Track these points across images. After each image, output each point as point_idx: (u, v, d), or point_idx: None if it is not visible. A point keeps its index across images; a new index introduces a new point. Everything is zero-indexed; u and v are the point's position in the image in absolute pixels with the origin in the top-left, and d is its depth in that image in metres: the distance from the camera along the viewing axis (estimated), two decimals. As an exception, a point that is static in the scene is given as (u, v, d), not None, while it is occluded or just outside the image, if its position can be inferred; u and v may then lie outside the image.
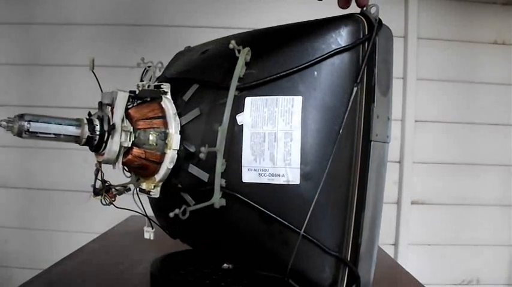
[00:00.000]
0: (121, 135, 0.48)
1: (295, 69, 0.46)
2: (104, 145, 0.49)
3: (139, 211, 0.57)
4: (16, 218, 1.33)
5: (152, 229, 0.60)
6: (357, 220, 0.47)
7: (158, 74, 0.61)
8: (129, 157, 0.50)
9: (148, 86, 0.55)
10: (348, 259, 0.47)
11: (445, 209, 1.33)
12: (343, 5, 0.51)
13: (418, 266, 1.28)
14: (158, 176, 0.52)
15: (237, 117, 0.48)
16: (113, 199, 0.54)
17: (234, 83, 0.47)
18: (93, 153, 0.52)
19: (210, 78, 0.52)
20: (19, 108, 1.31)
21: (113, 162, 0.50)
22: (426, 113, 1.31)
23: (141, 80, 0.58)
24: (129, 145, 0.49)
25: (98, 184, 0.53)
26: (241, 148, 0.47)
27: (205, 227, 0.53)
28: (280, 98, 0.46)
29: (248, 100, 0.48)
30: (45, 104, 1.30)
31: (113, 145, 0.48)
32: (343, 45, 0.46)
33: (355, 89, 0.45)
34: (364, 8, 0.49)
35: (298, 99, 0.46)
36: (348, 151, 0.46)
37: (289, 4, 1.28)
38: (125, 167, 0.54)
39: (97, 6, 1.31)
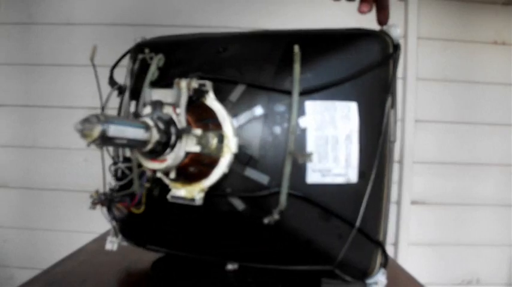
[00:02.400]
0: (188, 139, 0.44)
1: (350, 77, 0.51)
2: (168, 150, 0.43)
3: (110, 221, 0.55)
4: (16, 218, 1.33)
5: (117, 238, 0.57)
6: (385, 210, 0.54)
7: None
8: (185, 162, 0.45)
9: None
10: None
11: (445, 209, 1.33)
12: (366, 11, 0.57)
13: (418, 266, 1.28)
14: (209, 181, 0.48)
15: (299, 120, 0.49)
16: (125, 211, 0.50)
17: (297, 87, 0.49)
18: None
19: (258, 80, 0.51)
20: (19, 108, 1.32)
21: (172, 169, 0.45)
22: (426, 113, 1.32)
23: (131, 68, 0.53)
24: (198, 150, 0.44)
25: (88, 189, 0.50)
26: (305, 150, 0.49)
27: (230, 228, 0.52)
28: (338, 103, 0.51)
29: (308, 104, 0.50)
30: (45, 104, 1.30)
31: (181, 150, 0.43)
32: (379, 59, 0.53)
33: (388, 98, 0.53)
34: (384, 27, 0.56)
35: (353, 105, 0.51)
36: (384, 150, 0.53)
37: (285, 6, 1.28)
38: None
39: (97, 6, 1.31)
